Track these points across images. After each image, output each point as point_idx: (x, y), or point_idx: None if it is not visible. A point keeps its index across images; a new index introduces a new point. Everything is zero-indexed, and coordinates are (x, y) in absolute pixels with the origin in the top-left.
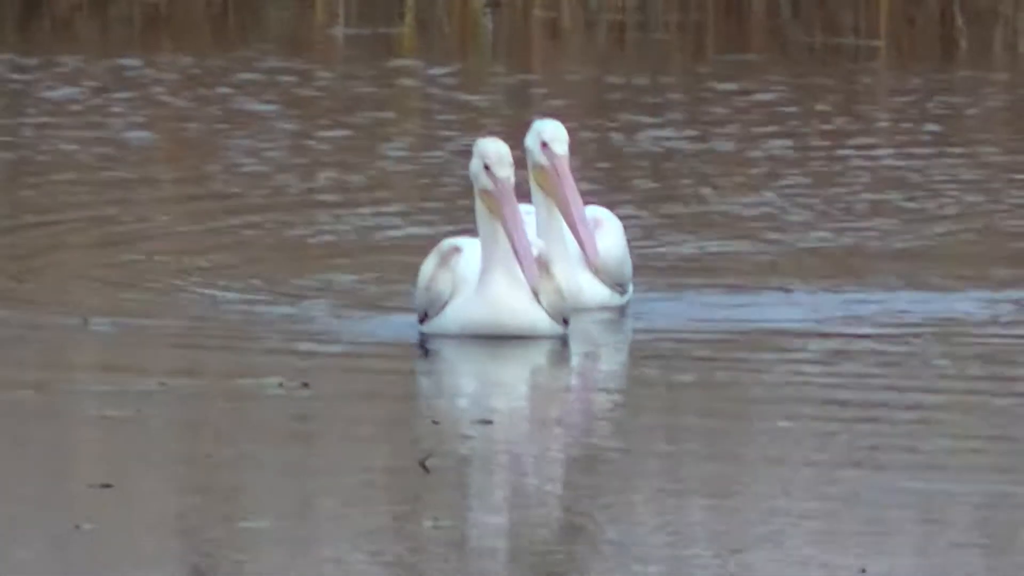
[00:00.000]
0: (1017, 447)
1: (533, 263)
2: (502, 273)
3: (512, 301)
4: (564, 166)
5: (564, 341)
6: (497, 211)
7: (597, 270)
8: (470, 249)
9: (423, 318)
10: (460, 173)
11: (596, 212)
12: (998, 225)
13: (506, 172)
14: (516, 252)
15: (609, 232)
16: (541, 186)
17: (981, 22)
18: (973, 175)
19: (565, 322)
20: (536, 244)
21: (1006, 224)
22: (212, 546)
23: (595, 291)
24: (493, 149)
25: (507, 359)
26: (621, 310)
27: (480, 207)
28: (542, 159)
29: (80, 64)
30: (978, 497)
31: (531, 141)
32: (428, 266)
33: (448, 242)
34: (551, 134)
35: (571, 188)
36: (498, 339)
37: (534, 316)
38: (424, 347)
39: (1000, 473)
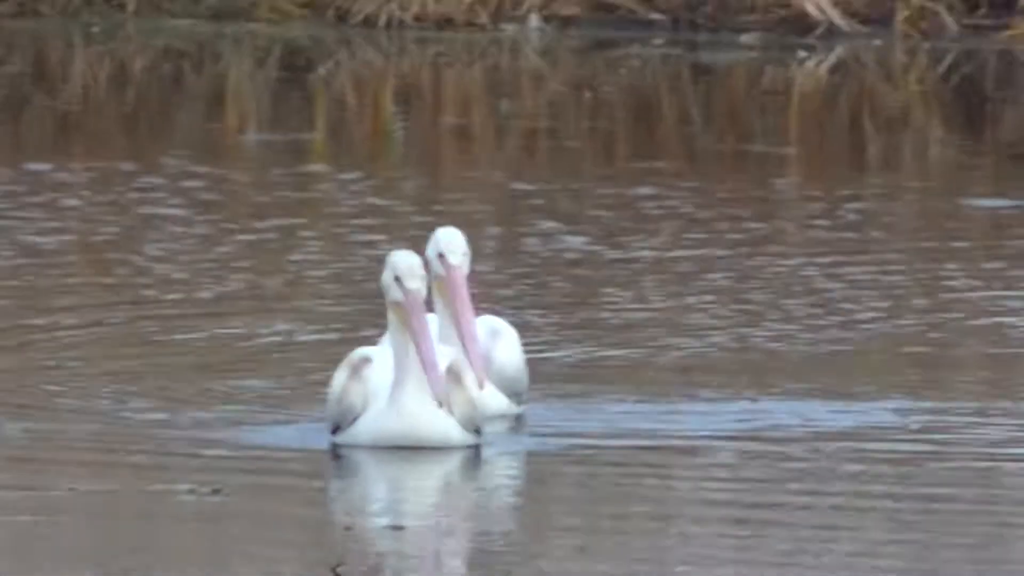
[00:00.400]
0: (923, 551)
1: (439, 375)
2: (414, 384)
3: (424, 413)
4: (458, 277)
5: (476, 451)
6: (407, 322)
7: (482, 386)
8: (380, 359)
9: (335, 429)
10: (371, 280)
11: (493, 322)
12: (906, 333)
13: (416, 284)
14: (423, 363)
15: (507, 343)
16: (441, 296)
17: (890, 129)
18: (883, 281)
19: (477, 431)
20: (447, 354)
21: (914, 332)
22: None
23: (494, 400)
24: (403, 261)
25: (419, 467)
26: (518, 418)
27: (392, 318)
28: (439, 269)
29: None
30: None
31: (430, 251)
32: (339, 378)
33: (358, 352)
34: (446, 244)
35: (463, 301)
36: (411, 449)
37: (446, 427)
38: (335, 454)
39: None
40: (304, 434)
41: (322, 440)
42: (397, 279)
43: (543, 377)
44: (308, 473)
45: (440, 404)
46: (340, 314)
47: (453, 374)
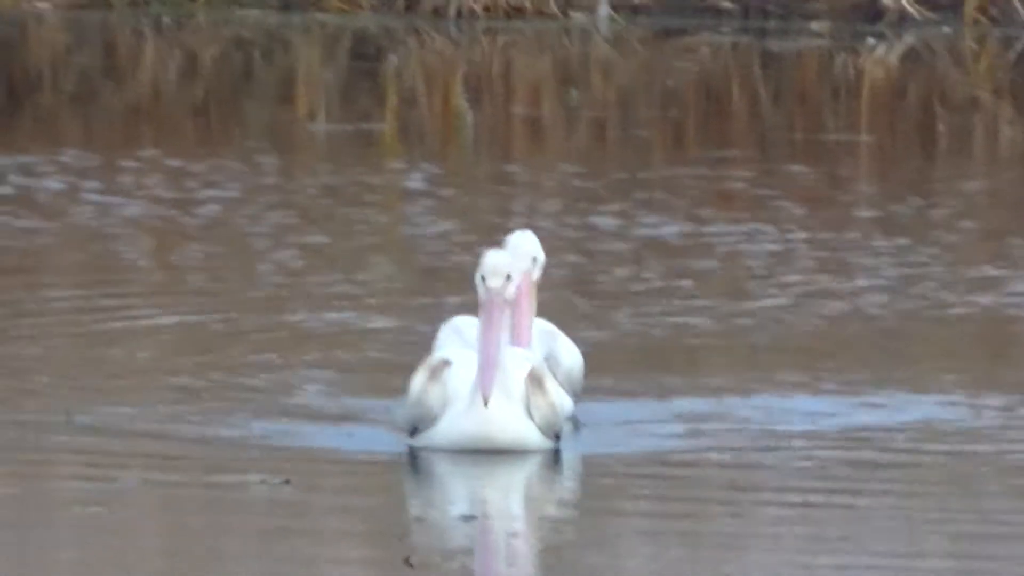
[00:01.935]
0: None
1: (493, 375)
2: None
3: (504, 416)
4: (524, 285)
5: (554, 454)
6: (481, 319)
7: (487, 403)
8: (459, 362)
9: (412, 431)
10: (440, 270)
11: (543, 324)
12: (978, 319)
13: (496, 283)
14: (482, 358)
15: (567, 343)
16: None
17: (961, 116)
18: (955, 268)
19: (556, 436)
20: (529, 359)
21: (986, 317)
22: None
23: (566, 402)
24: (489, 260)
25: (494, 466)
26: (572, 419)
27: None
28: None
29: (64, 160)
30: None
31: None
32: (418, 381)
33: (437, 355)
34: (513, 247)
35: (520, 314)
36: (489, 452)
37: (525, 431)
38: (411, 455)
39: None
40: (377, 433)
41: (395, 440)
42: (483, 278)
43: (615, 370)
44: (380, 464)
45: (484, 403)
46: (410, 306)
47: (535, 379)
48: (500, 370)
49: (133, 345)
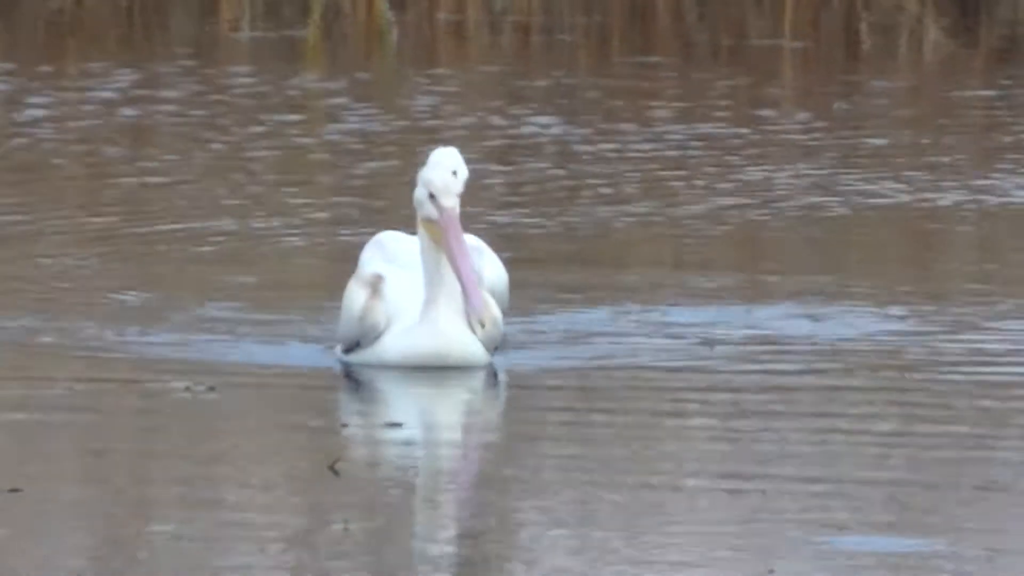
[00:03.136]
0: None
1: (479, 292)
2: (446, 304)
3: (456, 333)
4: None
5: (492, 369)
6: (443, 241)
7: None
8: (391, 275)
9: (349, 348)
10: (365, 177)
11: (471, 240)
12: (900, 228)
13: (451, 202)
14: (462, 281)
15: (492, 260)
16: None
17: (885, 22)
18: (882, 168)
19: (495, 350)
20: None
21: (908, 227)
22: (120, 550)
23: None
24: (439, 178)
25: (423, 378)
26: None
27: (423, 235)
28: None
29: None
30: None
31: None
32: (359, 297)
33: (369, 270)
34: (441, 161)
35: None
36: (436, 369)
37: (475, 348)
38: (344, 367)
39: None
40: (305, 348)
41: (324, 355)
42: (432, 196)
43: (541, 280)
44: (307, 379)
45: (483, 325)
46: (334, 216)
47: None
48: (478, 286)
49: (59, 253)
